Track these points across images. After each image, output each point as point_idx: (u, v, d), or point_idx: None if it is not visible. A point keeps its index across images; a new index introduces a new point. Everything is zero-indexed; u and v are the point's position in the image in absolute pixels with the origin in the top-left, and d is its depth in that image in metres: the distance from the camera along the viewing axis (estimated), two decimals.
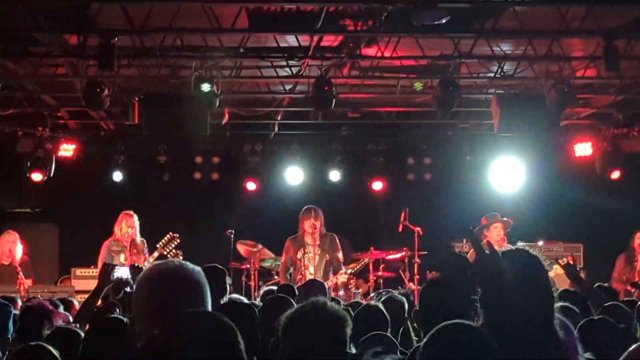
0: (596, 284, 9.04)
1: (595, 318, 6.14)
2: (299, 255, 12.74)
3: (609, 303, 7.19)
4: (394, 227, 13.94)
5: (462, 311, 4.12)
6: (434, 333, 3.16)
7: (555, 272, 11.02)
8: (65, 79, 13.05)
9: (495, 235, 12.65)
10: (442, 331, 3.16)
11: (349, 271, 12.93)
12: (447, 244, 15.56)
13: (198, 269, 3.30)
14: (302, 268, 12.70)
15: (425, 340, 3.21)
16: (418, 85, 14.07)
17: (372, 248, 13.78)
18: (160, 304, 3.18)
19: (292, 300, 6.28)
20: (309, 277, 12.52)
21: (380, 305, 6.45)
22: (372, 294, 12.21)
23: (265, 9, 10.93)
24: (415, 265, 13.66)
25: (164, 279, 3.26)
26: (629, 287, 12.20)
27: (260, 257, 13.82)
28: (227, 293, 6.78)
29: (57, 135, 15.43)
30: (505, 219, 13.10)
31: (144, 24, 10.94)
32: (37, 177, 15.07)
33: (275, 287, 10.09)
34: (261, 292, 10.75)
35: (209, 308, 3.23)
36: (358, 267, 13.44)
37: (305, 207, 12.89)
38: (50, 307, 6.67)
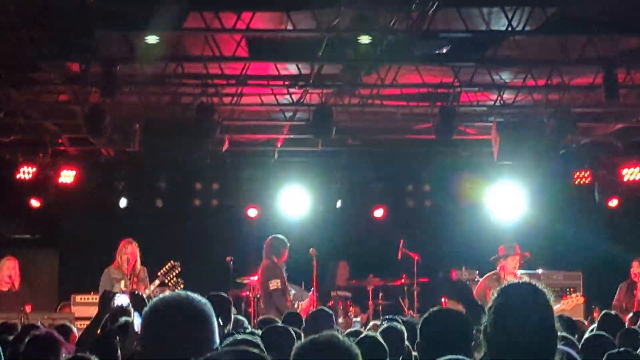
0: (603, 312, 9.02)
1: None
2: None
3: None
4: (393, 255, 13.93)
5: (463, 342, 4.12)
6: None
7: (561, 307, 11.06)
8: (67, 106, 13.08)
9: (512, 267, 12.62)
10: None
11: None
12: (446, 270, 15.57)
13: (204, 300, 3.33)
14: (287, 293, 12.89)
15: None
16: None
17: (371, 275, 13.79)
18: (167, 336, 3.20)
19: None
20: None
21: (379, 336, 6.44)
22: (372, 322, 12.20)
23: (266, 37, 10.98)
24: (415, 292, 13.65)
25: (171, 311, 3.28)
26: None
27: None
28: (231, 322, 6.79)
29: (57, 161, 15.46)
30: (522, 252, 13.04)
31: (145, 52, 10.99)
32: (35, 203, 15.10)
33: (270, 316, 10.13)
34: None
35: (217, 339, 3.26)
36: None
37: (281, 236, 13.01)
38: (59, 337, 6.60)
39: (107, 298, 7.45)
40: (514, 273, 12.45)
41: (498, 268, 12.80)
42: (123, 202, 15.95)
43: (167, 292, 11.50)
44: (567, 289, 13.59)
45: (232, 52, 11.19)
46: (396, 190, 16.76)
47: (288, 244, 12.97)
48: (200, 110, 12.36)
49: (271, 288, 12.71)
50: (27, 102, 13.03)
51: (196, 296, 3.33)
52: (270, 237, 13.10)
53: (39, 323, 10.29)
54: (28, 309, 12.36)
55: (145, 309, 3.35)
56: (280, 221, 16.02)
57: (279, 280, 12.79)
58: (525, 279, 3.84)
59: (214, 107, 12.63)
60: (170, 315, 3.27)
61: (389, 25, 10.49)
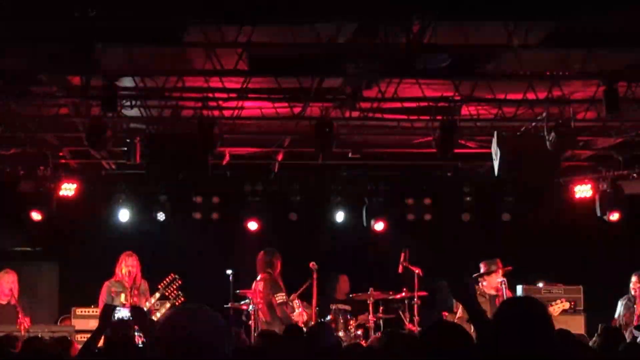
0: (604, 326, 9.01)
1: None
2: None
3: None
4: (394, 268, 13.91)
5: (463, 356, 4.10)
6: None
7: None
8: (68, 119, 13.09)
9: (494, 282, 12.58)
10: None
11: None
12: (444, 284, 15.51)
13: (217, 313, 3.37)
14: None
15: None
16: None
17: (371, 289, 13.78)
18: (181, 348, 3.23)
19: None
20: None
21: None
22: (372, 336, 12.20)
23: (267, 51, 11.00)
24: (415, 306, 13.63)
25: (185, 323, 3.32)
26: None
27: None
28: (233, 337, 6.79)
29: (58, 174, 15.45)
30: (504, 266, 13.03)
31: (147, 65, 11.01)
32: (36, 216, 15.09)
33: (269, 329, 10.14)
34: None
35: (229, 351, 3.30)
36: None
37: (271, 249, 13.09)
38: (59, 349, 6.61)
39: (108, 311, 7.46)
40: (497, 288, 12.43)
41: (481, 284, 12.77)
42: (124, 216, 15.96)
43: (168, 305, 11.50)
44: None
45: (233, 66, 11.20)
46: (396, 203, 16.76)
47: (280, 256, 13.03)
48: (201, 123, 12.38)
49: (278, 301, 12.75)
50: (28, 115, 13.03)
51: (208, 308, 3.38)
52: (261, 252, 13.16)
53: (39, 336, 10.31)
54: (27, 321, 12.35)
55: (159, 321, 3.40)
56: (281, 234, 16.03)
57: (284, 293, 12.82)
58: (508, 293, 3.86)
59: (214, 120, 12.65)
60: (184, 327, 3.31)
61: (389, 39, 10.50)
